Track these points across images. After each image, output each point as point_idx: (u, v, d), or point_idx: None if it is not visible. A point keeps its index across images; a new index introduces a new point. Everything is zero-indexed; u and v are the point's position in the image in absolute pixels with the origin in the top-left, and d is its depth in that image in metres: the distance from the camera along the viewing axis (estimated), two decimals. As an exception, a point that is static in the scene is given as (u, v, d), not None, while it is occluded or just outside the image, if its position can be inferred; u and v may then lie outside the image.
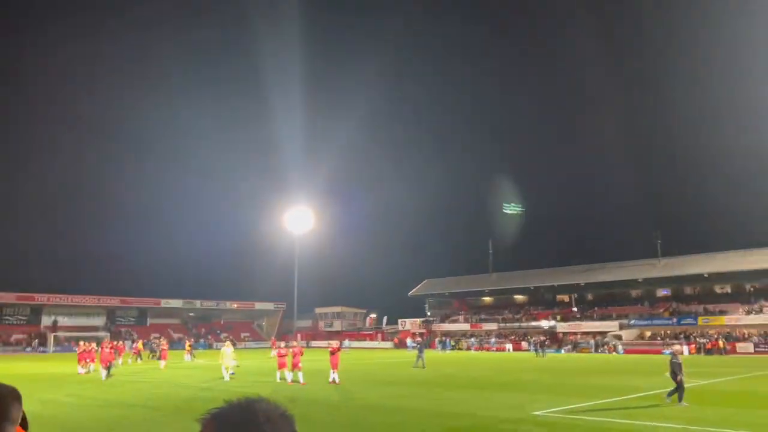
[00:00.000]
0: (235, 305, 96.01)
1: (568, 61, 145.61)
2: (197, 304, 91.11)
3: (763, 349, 55.32)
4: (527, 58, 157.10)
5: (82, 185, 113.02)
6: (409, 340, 73.89)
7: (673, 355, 16.70)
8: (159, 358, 35.12)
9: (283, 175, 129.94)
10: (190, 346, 48.19)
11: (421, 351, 34.82)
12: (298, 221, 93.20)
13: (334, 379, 22.29)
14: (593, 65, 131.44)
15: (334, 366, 22.54)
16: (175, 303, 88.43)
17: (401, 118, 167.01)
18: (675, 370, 15.87)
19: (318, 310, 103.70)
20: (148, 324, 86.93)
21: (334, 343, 24.31)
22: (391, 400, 17.28)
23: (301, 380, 21.97)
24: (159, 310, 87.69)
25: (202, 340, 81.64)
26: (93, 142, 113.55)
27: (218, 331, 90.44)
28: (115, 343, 42.46)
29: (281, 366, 23.62)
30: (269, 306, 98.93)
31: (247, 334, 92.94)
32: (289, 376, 22.96)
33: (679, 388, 15.67)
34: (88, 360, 29.91)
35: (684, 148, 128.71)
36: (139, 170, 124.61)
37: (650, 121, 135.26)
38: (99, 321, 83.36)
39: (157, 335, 66.28)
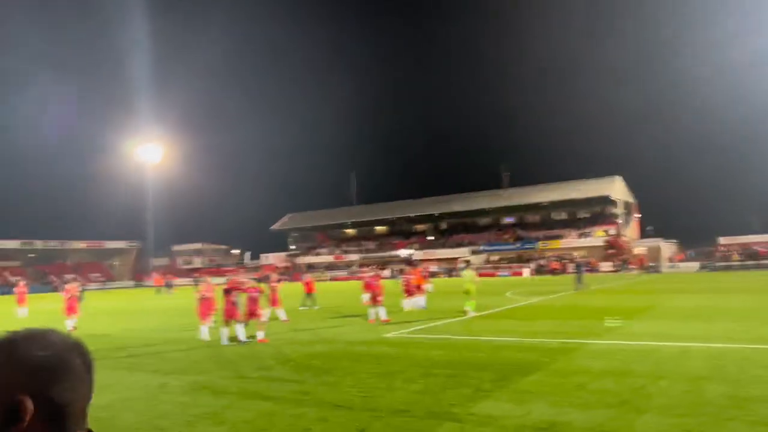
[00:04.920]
0: (83, 245, 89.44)
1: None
2: (38, 244, 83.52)
3: (588, 269, 62.54)
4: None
5: None
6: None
7: None
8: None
9: (131, 106, 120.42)
10: None
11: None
12: (150, 154, 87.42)
13: (378, 314, 18.24)
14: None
15: (377, 292, 18.35)
16: (11, 244, 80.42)
17: (263, 52, 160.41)
18: None
19: (176, 248, 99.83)
20: (-23, 268, 78.53)
21: (368, 271, 20.20)
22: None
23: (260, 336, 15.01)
24: (-10, 252, 79.32)
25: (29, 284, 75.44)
26: None
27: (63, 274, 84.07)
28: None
29: (232, 317, 14.91)
30: (121, 245, 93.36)
31: (98, 275, 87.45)
32: (240, 331, 14.78)
33: None
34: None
35: (528, 91, 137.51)
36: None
37: (499, 71, 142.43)
38: None
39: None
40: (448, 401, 7.88)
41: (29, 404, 1.03)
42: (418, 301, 22.57)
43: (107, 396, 9.13)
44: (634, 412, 7.01)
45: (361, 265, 79.36)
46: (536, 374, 9.42)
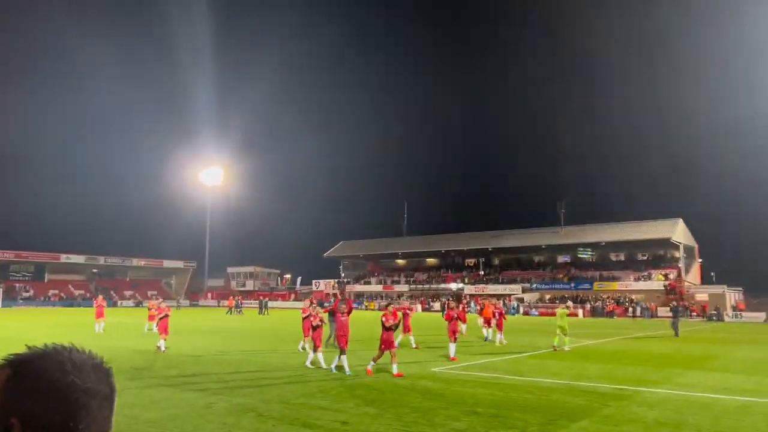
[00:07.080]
0: (142, 262, 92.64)
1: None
2: (101, 260, 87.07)
3: (644, 314, 60.06)
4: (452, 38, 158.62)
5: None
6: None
7: None
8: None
9: (194, 130, 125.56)
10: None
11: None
12: (210, 177, 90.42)
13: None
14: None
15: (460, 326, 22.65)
16: (77, 258, 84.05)
17: (319, 78, 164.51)
18: None
19: (230, 270, 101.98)
20: (45, 280, 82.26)
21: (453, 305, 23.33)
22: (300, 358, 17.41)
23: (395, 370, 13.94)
24: (58, 265, 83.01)
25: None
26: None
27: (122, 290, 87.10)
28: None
29: (316, 339, 15.06)
30: (178, 264, 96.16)
31: (155, 293, 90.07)
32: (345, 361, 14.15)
33: None
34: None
35: (584, 135, 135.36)
36: (39, 115, 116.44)
37: (558, 108, 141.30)
38: (-11, 276, 78.14)
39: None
40: (491, 442, 7.70)
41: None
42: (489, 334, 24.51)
43: (155, 412, 9.36)
44: (688, 468, 6.66)
45: (418, 297, 78.93)
46: (585, 420, 9.09)
